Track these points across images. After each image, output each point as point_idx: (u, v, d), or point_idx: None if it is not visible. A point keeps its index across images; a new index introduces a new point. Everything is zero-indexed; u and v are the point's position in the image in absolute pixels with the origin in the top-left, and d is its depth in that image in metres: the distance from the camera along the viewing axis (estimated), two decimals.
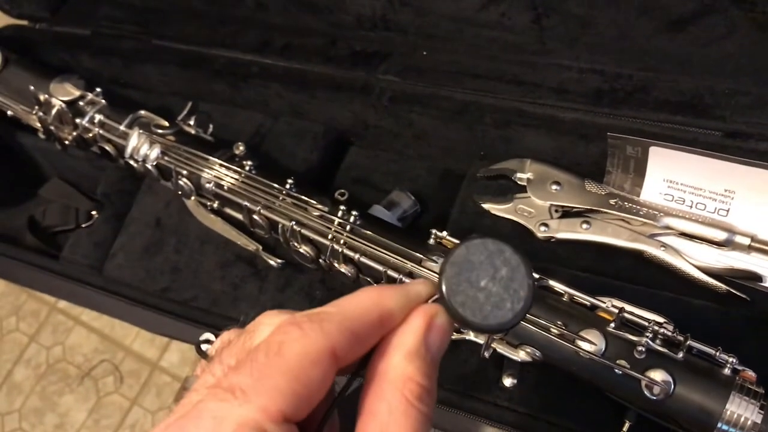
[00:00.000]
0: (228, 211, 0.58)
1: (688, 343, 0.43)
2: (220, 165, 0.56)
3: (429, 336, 0.26)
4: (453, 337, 0.49)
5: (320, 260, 0.53)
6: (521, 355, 0.47)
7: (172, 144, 0.58)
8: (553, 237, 0.59)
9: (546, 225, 0.59)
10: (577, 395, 0.49)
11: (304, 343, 0.25)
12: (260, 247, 0.57)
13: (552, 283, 0.47)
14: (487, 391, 0.50)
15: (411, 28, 0.63)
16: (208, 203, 0.58)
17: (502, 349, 0.47)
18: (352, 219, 0.51)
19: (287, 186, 0.54)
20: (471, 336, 0.48)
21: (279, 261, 0.57)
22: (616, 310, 0.45)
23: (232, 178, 0.55)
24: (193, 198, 0.59)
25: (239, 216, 0.57)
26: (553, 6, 0.55)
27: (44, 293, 0.68)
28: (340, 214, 0.51)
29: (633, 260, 0.56)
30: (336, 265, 0.51)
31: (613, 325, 0.44)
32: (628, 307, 0.46)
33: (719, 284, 0.53)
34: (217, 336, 0.31)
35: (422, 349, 0.26)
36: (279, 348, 0.24)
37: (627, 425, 0.46)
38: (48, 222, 0.76)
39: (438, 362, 0.27)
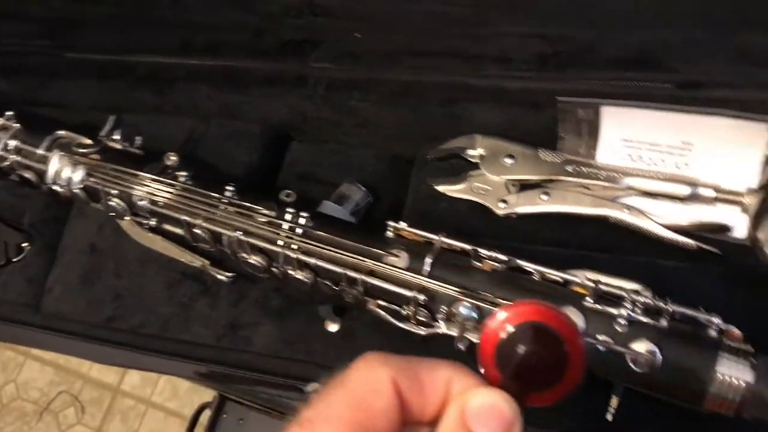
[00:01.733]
0: (168, 227, 0.54)
1: (670, 308, 0.41)
2: (152, 180, 0.52)
3: (467, 421, 0.24)
4: (422, 332, 0.47)
5: (273, 269, 0.49)
6: None
7: (96, 163, 0.53)
8: (513, 213, 0.56)
9: (505, 201, 0.57)
10: None
11: (366, 371, 0.25)
12: (207, 262, 0.53)
13: (520, 262, 0.45)
14: None
15: (340, 11, 0.60)
16: (144, 222, 0.54)
17: (477, 338, 0.45)
18: (302, 221, 0.48)
19: (227, 193, 0.50)
20: (443, 329, 0.46)
21: (228, 275, 0.53)
22: (591, 284, 0.42)
23: (166, 192, 0.51)
24: (127, 218, 0.54)
25: (181, 231, 0.53)
26: None
27: None
28: (289, 217, 0.48)
29: (598, 227, 0.54)
30: (291, 272, 0.48)
31: (589, 299, 0.42)
32: (603, 279, 0.44)
33: (689, 241, 0.51)
34: None
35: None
36: (343, 379, 0.25)
37: (615, 401, 0.44)
38: None
39: None
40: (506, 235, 0.56)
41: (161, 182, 0.52)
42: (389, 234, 0.48)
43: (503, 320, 0.24)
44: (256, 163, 0.64)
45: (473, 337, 0.45)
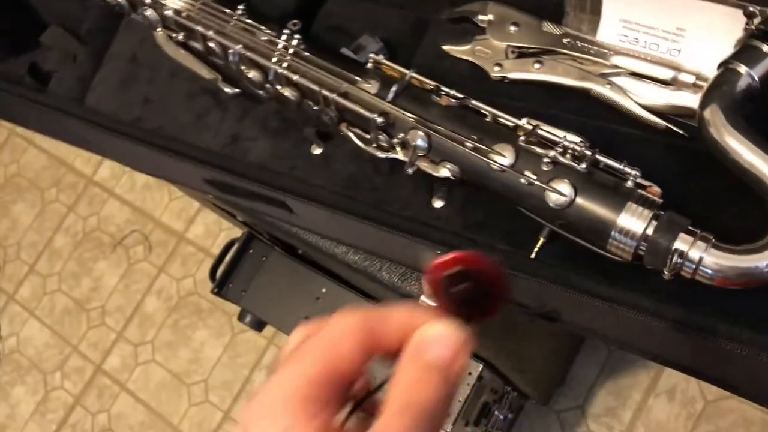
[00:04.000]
0: (193, 43, 0.60)
1: (595, 156, 0.44)
2: None
3: (426, 348, 0.28)
4: (382, 155, 0.52)
5: (267, 85, 0.55)
6: (443, 172, 0.49)
7: None
8: (506, 77, 0.59)
9: (500, 65, 0.60)
10: (502, 215, 0.51)
11: (339, 319, 0.29)
12: (220, 77, 0.60)
13: (475, 103, 0.48)
14: (418, 212, 0.53)
15: None
16: (174, 35, 0.61)
17: (425, 166, 0.49)
18: (295, 42, 0.53)
19: (239, 12, 0.55)
20: (400, 155, 0.50)
21: (234, 90, 0.59)
22: (531, 128, 0.46)
23: (189, 5, 0.57)
24: (159, 30, 0.61)
25: (199, 46, 0.59)
26: None
27: (34, 130, 0.73)
28: (284, 38, 0.53)
29: (581, 99, 0.56)
30: (279, 88, 0.54)
31: (523, 138, 0.45)
32: (548, 128, 0.47)
33: (659, 121, 0.53)
34: None
35: (417, 356, 0.28)
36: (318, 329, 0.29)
37: (541, 241, 0.48)
38: (48, 68, 0.80)
39: (442, 361, 0.28)
40: (498, 97, 0.59)
41: None
42: (369, 65, 0.52)
43: (444, 263, 0.29)
44: (292, 6, 0.69)
45: (422, 165, 0.49)
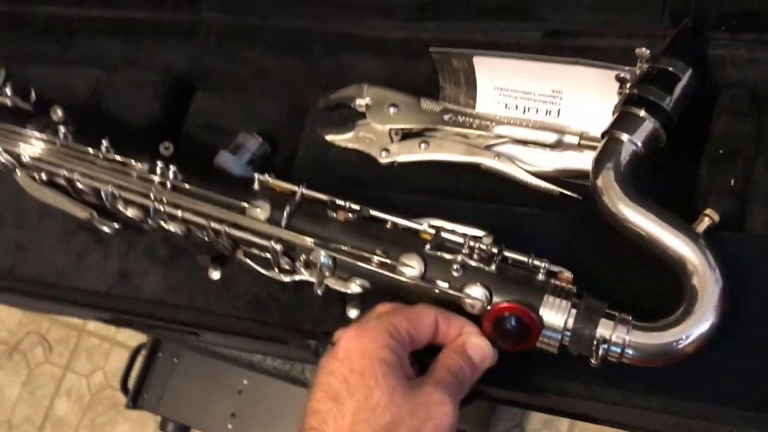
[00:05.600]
0: (59, 180, 0.56)
1: (502, 254, 0.43)
2: (35, 137, 0.54)
3: (467, 347, 0.43)
4: (286, 279, 0.49)
5: (149, 221, 0.51)
6: (354, 288, 0.47)
7: None
8: (395, 161, 0.58)
9: (387, 150, 0.58)
10: None
11: (425, 308, 0.43)
12: (94, 213, 0.55)
13: (373, 212, 0.47)
14: (333, 325, 0.51)
15: None
16: (37, 175, 0.56)
17: (334, 284, 0.47)
18: (171, 175, 0.49)
19: (103, 148, 0.51)
20: (306, 276, 0.48)
21: (114, 225, 0.55)
22: (434, 231, 0.45)
23: (47, 148, 0.53)
24: (20, 172, 0.56)
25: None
26: None
27: None
28: (159, 171, 0.50)
29: (472, 174, 0.56)
30: (163, 224, 0.50)
31: (429, 246, 0.44)
32: (448, 226, 0.46)
33: (552, 187, 0.54)
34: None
35: (461, 349, 0.43)
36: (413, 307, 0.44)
37: None
38: None
39: (474, 360, 0.43)
40: (390, 183, 0.58)
41: (43, 139, 0.53)
42: (256, 187, 0.50)
43: (500, 308, 0.42)
44: (158, 112, 0.66)
45: (331, 282, 0.47)
